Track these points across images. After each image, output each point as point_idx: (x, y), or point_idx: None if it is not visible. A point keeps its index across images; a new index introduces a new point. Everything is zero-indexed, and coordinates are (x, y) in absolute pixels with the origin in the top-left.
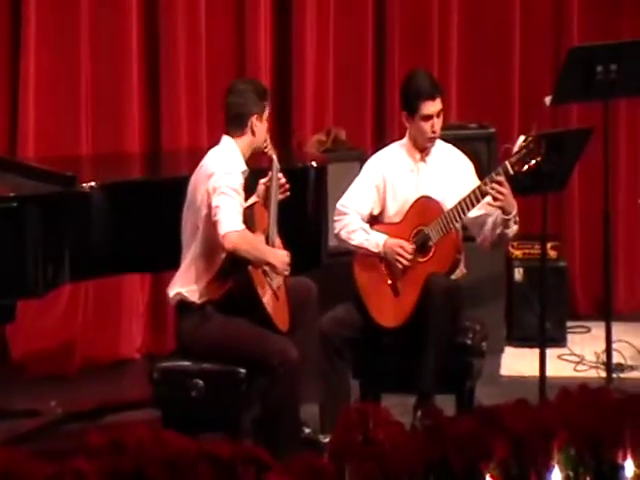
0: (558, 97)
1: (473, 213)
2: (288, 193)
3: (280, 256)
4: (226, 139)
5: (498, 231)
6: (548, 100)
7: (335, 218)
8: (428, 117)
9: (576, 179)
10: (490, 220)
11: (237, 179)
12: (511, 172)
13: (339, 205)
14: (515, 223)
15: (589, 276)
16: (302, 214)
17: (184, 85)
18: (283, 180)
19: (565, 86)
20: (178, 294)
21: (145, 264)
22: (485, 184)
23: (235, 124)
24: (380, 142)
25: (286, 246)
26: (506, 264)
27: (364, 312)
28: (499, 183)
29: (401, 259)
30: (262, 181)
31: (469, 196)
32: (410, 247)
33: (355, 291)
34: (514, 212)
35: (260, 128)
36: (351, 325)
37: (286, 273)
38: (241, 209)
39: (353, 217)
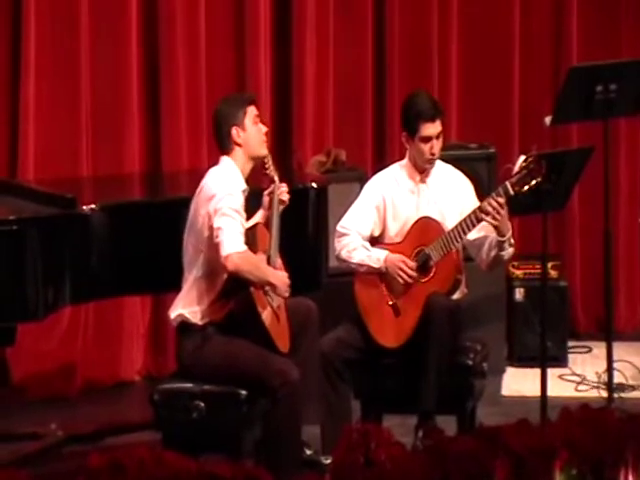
0: (558, 117)
1: (472, 235)
2: (286, 200)
3: (281, 277)
4: (224, 159)
5: (493, 253)
6: (548, 120)
7: (336, 239)
8: (427, 139)
9: (576, 198)
10: (487, 242)
11: (238, 199)
12: (511, 192)
13: (339, 227)
14: (510, 246)
15: (590, 295)
16: (302, 235)
17: (184, 105)
18: (284, 189)
19: (565, 106)
20: (180, 315)
21: (146, 286)
22: (486, 205)
23: (222, 143)
24: (380, 163)
25: (286, 267)
26: (507, 284)
27: (365, 332)
28: (499, 204)
29: (403, 274)
30: (266, 192)
31: (469, 217)
32: (412, 263)
33: (356, 311)
34: (508, 234)
35: (246, 136)
36: (352, 345)
37: (286, 295)
38: (243, 230)
39: (354, 237)
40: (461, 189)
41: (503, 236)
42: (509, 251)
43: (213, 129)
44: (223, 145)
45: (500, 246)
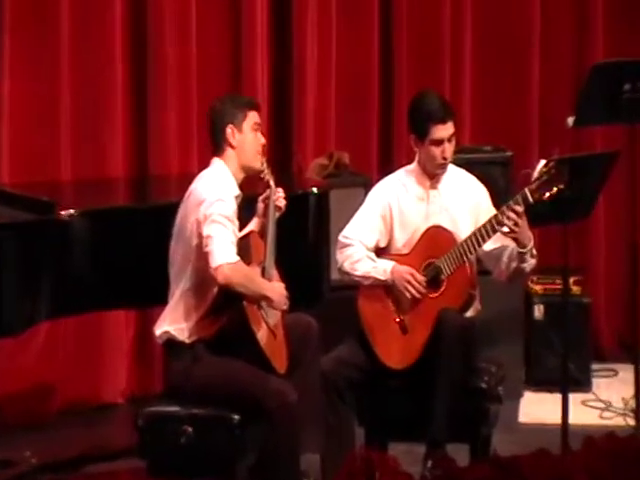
0: (581, 118)
1: (488, 246)
2: (283, 206)
3: (277, 289)
4: (216, 161)
5: (514, 265)
6: (571, 121)
7: (338, 250)
8: (439, 142)
9: (601, 207)
10: (506, 253)
11: (230, 206)
12: (531, 200)
13: (342, 236)
14: (532, 257)
15: (615, 313)
16: (302, 244)
17: (173, 105)
18: (281, 195)
19: (588, 106)
20: (166, 332)
21: (130, 299)
22: (502, 213)
23: (215, 141)
24: (387, 167)
25: (284, 279)
26: (525, 300)
27: (369, 352)
28: (516, 213)
29: (411, 288)
30: (261, 198)
31: (484, 226)
32: (421, 277)
33: (359, 329)
34: (530, 245)
35: (241, 139)
36: (355, 366)
37: (284, 308)
38: (235, 239)
39: (357, 248)
40: (475, 196)
41: (524, 247)
42: (531, 262)
43: (208, 124)
44: (216, 144)
45: (521, 258)
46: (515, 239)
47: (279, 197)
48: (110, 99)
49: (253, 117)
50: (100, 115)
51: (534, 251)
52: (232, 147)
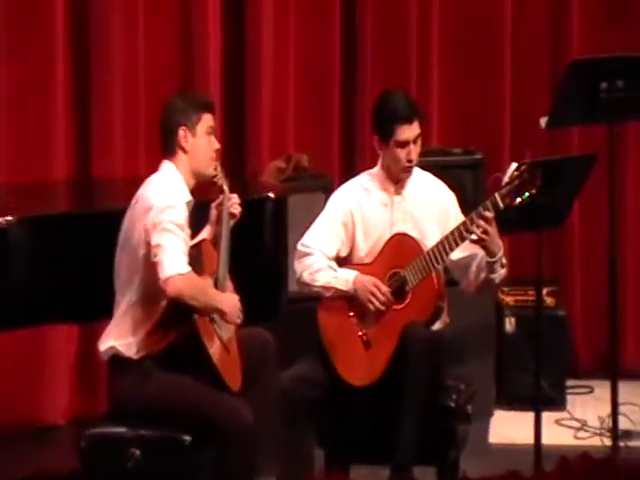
0: (556, 118)
1: (456, 254)
2: (238, 213)
3: (231, 301)
4: (166, 165)
5: (483, 275)
6: (544, 122)
7: (296, 260)
8: (404, 143)
9: (576, 214)
10: (475, 262)
11: (181, 213)
12: (501, 206)
13: (301, 245)
14: (502, 266)
15: (592, 327)
16: (258, 254)
17: (119, 103)
18: (236, 200)
19: (564, 106)
20: (111, 348)
21: (73, 312)
22: (471, 220)
23: (165, 143)
24: (349, 170)
25: (239, 291)
26: (496, 313)
27: (330, 368)
28: (486, 220)
29: (374, 300)
30: (214, 204)
31: (452, 234)
32: (385, 288)
33: (320, 344)
34: (500, 254)
35: (194, 144)
36: (315, 383)
37: (238, 321)
38: (186, 248)
39: (317, 257)
40: (442, 201)
41: (493, 256)
42: (501, 273)
43: (159, 124)
44: (167, 146)
45: (490, 268)
46: (484, 247)
47: (233, 203)
48: (50, 96)
49: (208, 120)
50: (40, 114)
51: (504, 260)
52: (184, 151)
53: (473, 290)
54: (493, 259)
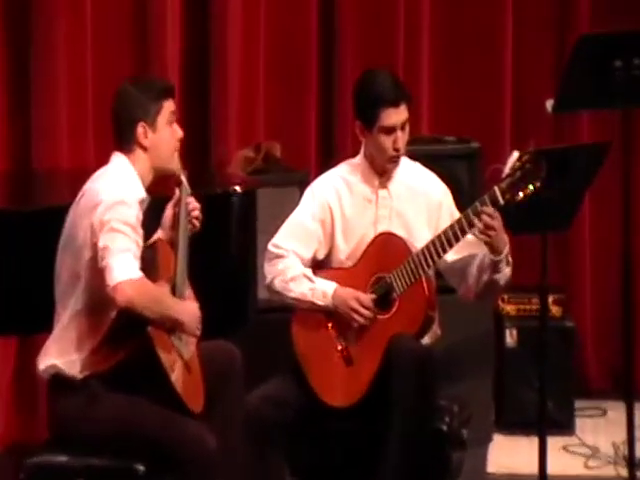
0: (563, 102)
1: (451, 256)
2: (198, 224)
3: (190, 310)
4: (118, 157)
5: (485, 277)
6: (550, 105)
7: (266, 263)
8: (389, 129)
9: (586, 211)
10: (475, 264)
11: (133, 210)
12: (501, 202)
13: (272, 246)
14: (508, 264)
15: (604, 341)
16: (222, 256)
17: (64, 86)
18: (194, 205)
19: (572, 87)
20: (52, 366)
21: (7, 325)
22: (467, 217)
23: (120, 138)
24: (327, 161)
25: (201, 298)
26: (495, 324)
27: (305, 387)
28: (487, 214)
29: (356, 316)
30: (169, 205)
31: (445, 233)
32: (368, 299)
33: (294, 359)
34: (506, 250)
35: (155, 139)
36: (288, 405)
37: (197, 333)
38: (138, 251)
39: (291, 260)
40: (434, 196)
41: (499, 254)
42: (506, 272)
43: (112, 118)
44: (121, 141)
45: (494, 267)
46: (488, 245)
47: (191, 203)
48: None
49: (168, 107)
50: None
51: (510, 258)
52: (143, 149)
53: (473, 297)
54: (498, 257)
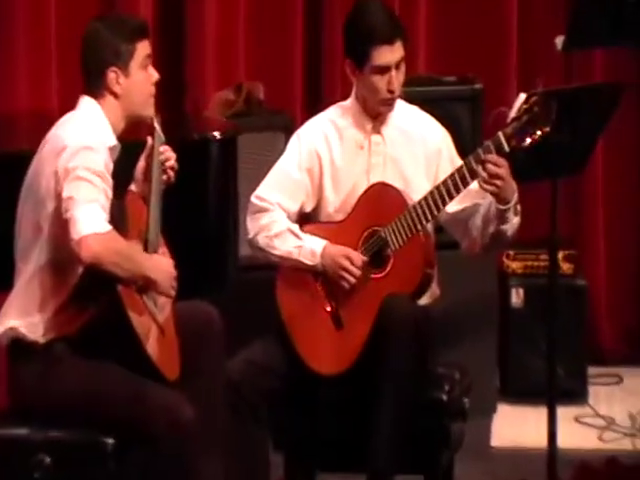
0: (574, 38)
1: (452, 207)
2: (173, 175)
3: (164, 266)
4: (86, 102)
5: (491, 229)
6: (560, 42)
7: (249, 216)
8: (383, 69)
9: (599, 160)
10: (479, 214)
11: (101, 157)
12: (506, 148)
13: (255, 198)
14: (516, 214)
15: (619, 300)
16: (200, 209)
17: (23, 25)
18: (169, 155)
19: (583, 23)
20: (12, 329)
21: None
22: (468, 166)
23: (89, 82)
24: (315, 104)
25: (175, 256)
26: (499, 282)
27: (291, 353)
28: (492, 162)
29: (347, 276)
30: (142, 157)
31: (445, 183)
32: (361, 258)
33: (278, 322)
34: (514, 199)
35: (128, 85)
36: (272, 372)
37: (172, 292)
38: (107, 202)
39: (276, 214)
40: (433, 142)
41: (506, 202)
42: (514, 222)
43: (81, 60)
44: (90, 85)
45: (502, 217)
46: (495, 195)
47: (168, 157)
48: None
49: (143, 49)
50: None
51: (518, 206)
52: (115, 95)
53: (479, 250)
54: (506, 206)
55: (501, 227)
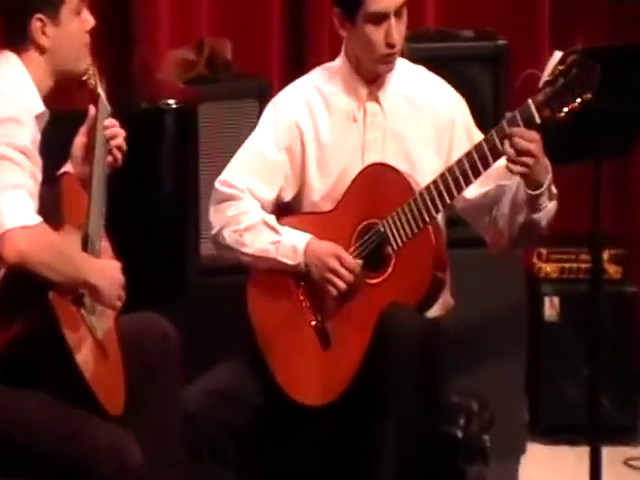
0: None
1: (472, 191)
2: (120, 156)
3: (108, 270)
4: (5, 57)
5: (521, 218)
6: None
7: (213, 207)
8: (380, 17)
9: None
10: (506, 199)
11: (27, 131)
12: (537, 120)
13: (220, 184)
14: (551, 198)
15: None
16: (152, 197)
17: None
18: (115, 131)
19: None
20: None
21: None
22: (490, 142)
23: (9, 32)
24: (296, 67)
25: (121, 256)
26: (529, 289)
27: (265, 378)
28: (520, 137)
29: (337, 280)
30: (81, 130)
31: (461, 163)
32: (354, 261)
33: (250, 339)
34: (548, 180)
35: (57, 36)
36: (241, 402)
37: (118, 303)
38: (36, 187)
39: (247, 204)
40: (444, 111)
41: (538, 186)
42: (549, 208)
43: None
44: (9, 34)
45: (533, 203)
46: (525, 177)
47: (113, 126)
48: None
49: (80, 2)
50: None
51: (553, 188)
52: (40, 49)
53: (506, 244)
54: (538, 190)
55: (533, 216)
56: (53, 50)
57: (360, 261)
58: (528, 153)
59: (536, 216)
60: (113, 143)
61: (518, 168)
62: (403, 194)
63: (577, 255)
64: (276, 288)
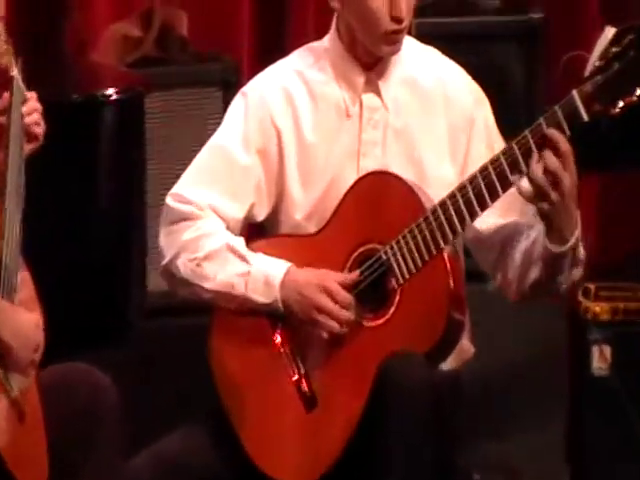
0: None
1: (486, 220)
2: (40, 131)
3: (25, 328)
4: None
5: (535, 274)
6: None
7: (164, 229)
8: None
9: None
10: (520, 245)
11: None
12: (585, 117)
13: (172, 199)
14: (576, 264)
15: None
16: (85, 214)
17: None
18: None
19: None
20: None
21: None
22: (524, 145)
23: None
24: (273, 46)
25: (45, 291)
26: (572, 335)
27: (232, 447)
28: (554, 148)
29: (326, 321)
30: None
31: (485, 173)
32: (346, 294)
33: (212, 398)
34: (573, 238)
35: None
36: (200, 477)
37: (30, 371)
38: None
39: (208, 225)
40: (462, 105)
41: (561, 241)
42: (574, 274)
43: None
44: None
45: (554, 263)
46: (544, 215)
47: (32, 112)
48: None
49: None
50: None
51: (582, 250)
52: None
53: (514, 297)
54: (561, 248)
55: (551, 277)
56: None
57: (350, 298)
58: (555, 176)
59: (557, 279)
60: (28, 120)
61: (538, 199)
62: (410, 211)
63: (635, 292)
64: (246, 332)
